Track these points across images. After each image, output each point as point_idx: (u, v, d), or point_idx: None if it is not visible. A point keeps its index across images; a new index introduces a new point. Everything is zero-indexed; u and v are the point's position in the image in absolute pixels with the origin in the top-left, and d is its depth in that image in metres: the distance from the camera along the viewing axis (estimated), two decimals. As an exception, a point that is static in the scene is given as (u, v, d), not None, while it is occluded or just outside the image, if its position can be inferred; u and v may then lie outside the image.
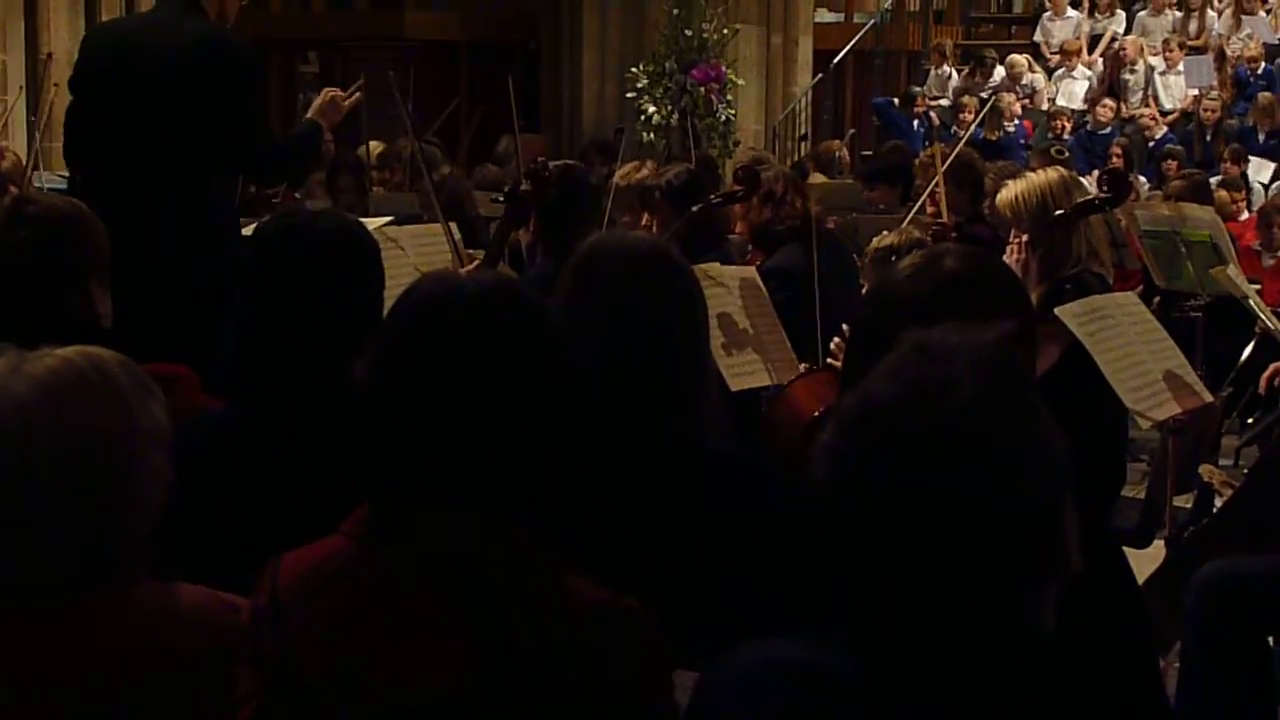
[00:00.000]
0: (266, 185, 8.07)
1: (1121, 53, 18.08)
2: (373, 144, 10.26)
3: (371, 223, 5.40)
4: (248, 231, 5.17)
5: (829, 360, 5.32)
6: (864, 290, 6.03)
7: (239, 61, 5.77)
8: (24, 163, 9.66)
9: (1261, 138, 15.99)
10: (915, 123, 17.43)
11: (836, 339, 5.21)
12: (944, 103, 18.07)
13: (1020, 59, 18.48)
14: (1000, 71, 18.40)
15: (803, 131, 17.91)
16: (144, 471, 2.35)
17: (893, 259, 5.44)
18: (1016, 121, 17.41)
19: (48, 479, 2.27)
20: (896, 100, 18.08)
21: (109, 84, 5.85)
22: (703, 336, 3.10)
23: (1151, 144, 16.50)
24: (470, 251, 6.19)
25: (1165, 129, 16.78)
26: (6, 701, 2.26)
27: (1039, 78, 18.45)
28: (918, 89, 18.30)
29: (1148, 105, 17.47)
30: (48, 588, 2.30)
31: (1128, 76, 17.92)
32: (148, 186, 5.67)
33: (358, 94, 6.31)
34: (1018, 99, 17.63)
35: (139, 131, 5.73)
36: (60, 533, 2.29)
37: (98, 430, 2.30)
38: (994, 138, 16.41)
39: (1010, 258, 5.36)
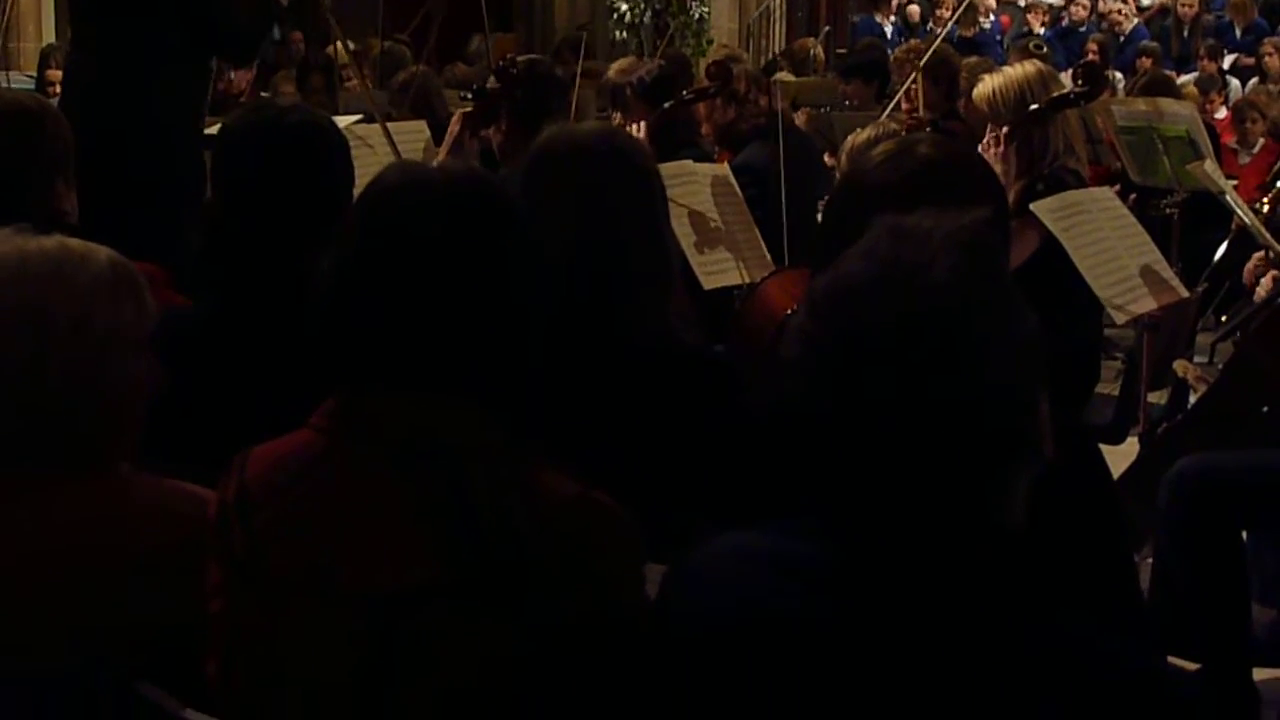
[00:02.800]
0: (239, 62, 7.86)
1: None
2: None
3: (341, 120, 5.34)
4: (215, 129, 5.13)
5: None
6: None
7: None
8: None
9: (1239, 33, 15.95)
10: (889, 26, 17.35)
11: None
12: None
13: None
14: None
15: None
16: (117, 364, 2.38)
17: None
18: (992, 18, 17.35)
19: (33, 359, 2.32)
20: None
21: None
22: (661, 227, 3.09)
23: (1122, 39, 16.45)
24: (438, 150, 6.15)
25: (1136, 21, 16.71)
26: None
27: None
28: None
29: (1124, 1, 17.39)
30: (14, 473, 2.31)
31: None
32: (101, 76, 5.59)
33: None
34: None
35: (95, 20, 5.67)
36: (36, 412, 2.33)
37: (68, 314, 2.34)
38: (969, 34, 16.35)
39: (987, 152, 5.34)
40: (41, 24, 12.72)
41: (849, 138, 5.79)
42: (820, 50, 14.46)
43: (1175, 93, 10.43)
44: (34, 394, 2.33)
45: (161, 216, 5.18)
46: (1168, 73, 12.63)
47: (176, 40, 5.66)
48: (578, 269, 2.87)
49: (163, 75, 5.69)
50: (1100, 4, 17.39)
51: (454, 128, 5.74)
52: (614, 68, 7.26)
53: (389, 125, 5.94)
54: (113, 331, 2.39)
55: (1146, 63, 14.27)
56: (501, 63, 5.88)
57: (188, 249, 3.93)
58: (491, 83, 5.81)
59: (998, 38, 16.97)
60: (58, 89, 7.53)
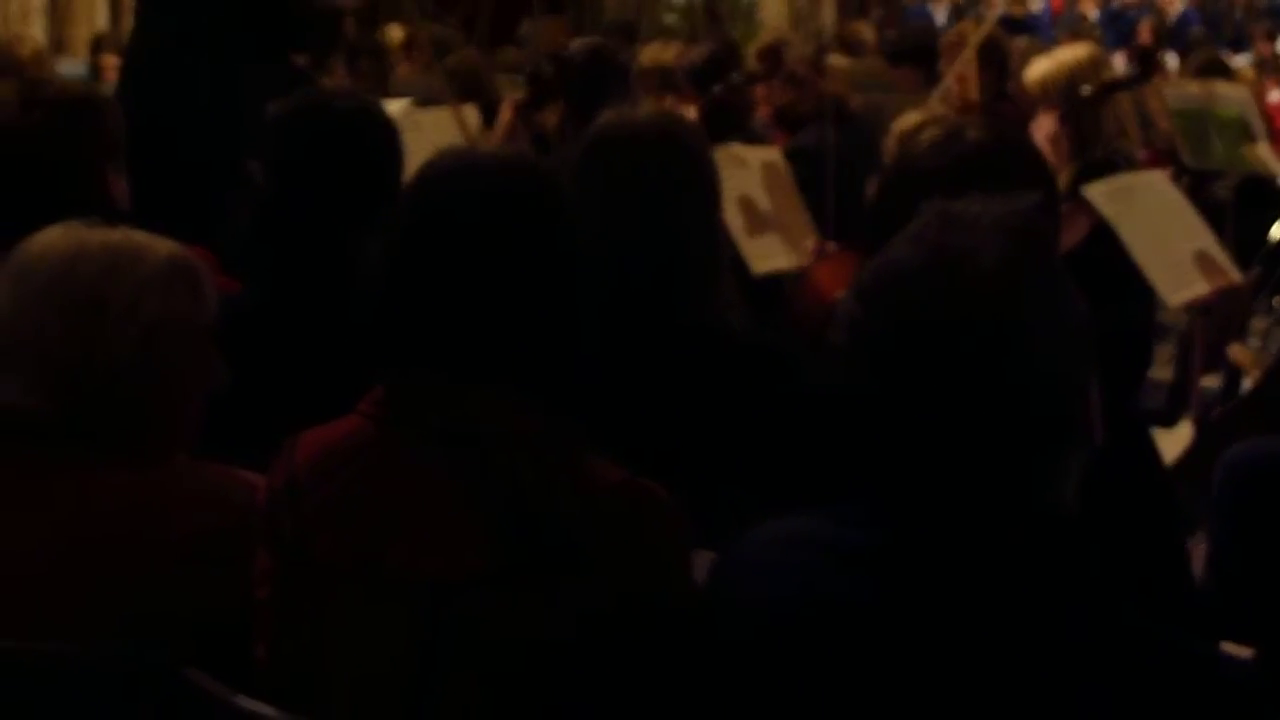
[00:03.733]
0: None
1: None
2: (393, 28, 10.19)
3: (392, 104, 5.34)
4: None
5: None
6: (885, 166, 5.98)
7: None
8: (42, 50, 9.60)
9: (1294, 14, 15.84)
10: (940, 13, 17.27)
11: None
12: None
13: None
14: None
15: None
16: (169, 355, 2.40)
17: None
18: (1043, 1, 17.25)
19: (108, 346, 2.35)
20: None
21: None
22: (713, 214, 3.08)
23: (1171, 21, 16.34)
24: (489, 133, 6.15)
25: (1183, 5, 16.59)
26: (27, 561, 2.28)
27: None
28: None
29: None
30: (78, 456, 2.34)
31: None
32: (152, 60, 5.59)
33: None
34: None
35: (151, 25, 5.68)
36: (86, 400, 2.34)
37: (119, 304, 2.37)
38: (1019, 13, 16.23)
39: (1037, 135, 5.32)
40: (94, 11, 12.78)
41: (895, 123, 5.77)
42: (873, 34, 14.41)
43: (1229, 75, 10.34)
44: (83, 382, 2.34)
45: (217, 204, 5.18)
46: (1221, 55, 12.51)
47: (251, 35, 5.65)
48: (635, 256, 2.86)
49: (235, 67, 5.68)
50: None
51: (505, 114, 5.73)
52: (646, 54, 7.25)
53: (438, 110, 5.94)
54: (165, 323, 2.40)
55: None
56: (559, 48, 5.87)
57: (234, 231, 3.93)
58: (548, 67, 5.80)
59: (1047, 20, 16.88)
60: (110, 75, 7.56)
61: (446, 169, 2.31)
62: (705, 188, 3.06)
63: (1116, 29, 16.20)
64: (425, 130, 5.62)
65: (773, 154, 5.88)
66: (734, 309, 3.06)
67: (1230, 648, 2.47)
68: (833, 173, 5.91)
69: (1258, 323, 7.69)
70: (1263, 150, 6.79)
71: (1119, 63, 5.85)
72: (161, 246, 2.47)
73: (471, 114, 6.10)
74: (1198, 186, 8.40)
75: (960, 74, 7.65)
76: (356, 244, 3.13)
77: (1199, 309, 5.23)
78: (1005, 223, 1.86)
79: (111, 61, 8.79)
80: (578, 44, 6.09)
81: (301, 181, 3.35)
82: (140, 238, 2.47)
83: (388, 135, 3.48)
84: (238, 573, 2.25)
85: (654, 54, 7.16)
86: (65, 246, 2.41)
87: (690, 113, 6.45)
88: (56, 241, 2.43)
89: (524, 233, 2.22)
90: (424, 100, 6.53)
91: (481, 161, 2.34)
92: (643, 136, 3.05)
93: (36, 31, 10.62)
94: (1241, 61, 13.24)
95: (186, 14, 5.60)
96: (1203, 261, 5.07)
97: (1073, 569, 1.86)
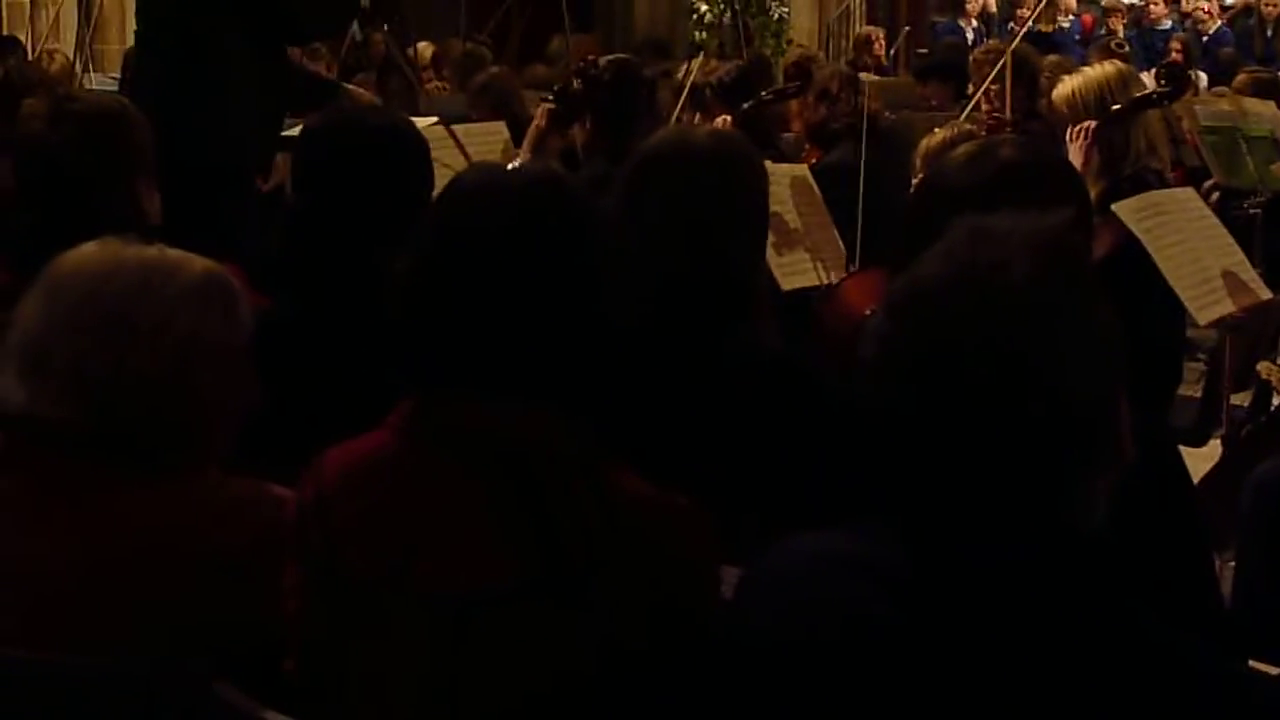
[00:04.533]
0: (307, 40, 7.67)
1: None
2: (423, 45, 10.22)
3: (421, 122, 5.36)
4: (296, 130, 5.14)
5: None
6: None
7: None
8: (73, 64, 9.65)
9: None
10: (970, 30, 17.26)
11: None
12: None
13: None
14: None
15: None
16: (199, 371, 2.41)
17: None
18: (1072, 17, 17.21)
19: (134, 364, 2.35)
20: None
21: None
22: (760, 238, 3.07)
23: (1205, 38, 16.29)
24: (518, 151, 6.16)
25: (1220, 22, 16.54)
26: (56, 573, 2.28)
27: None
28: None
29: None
30: (107, 469, 2.35)
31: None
32: (169, 75, 5.60)
33: None
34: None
35: (164, 19, 5.70)
36: (116, 414, 2.35)
37: (150, 320, 2.37)
38: (1048, 29, 16.18)
39: (1069, 151, 5.31)
40: (125, 26, 12.82)
41: (923, 140, 5.77)
42: (881, 38, 14.42)
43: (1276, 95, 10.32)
44: (113, 396, 2.35)
45: (227, 213, 5.19)
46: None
47: (248, 37, 5.66)
48: (680, 279, 2.85)
49: (234, 74, 5.68)
50: (1183, 3, 17.24)
51: (539, 122, 5.73)
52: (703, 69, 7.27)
53: (466, 127, 5.95)
54: (196, 340, 2.41)
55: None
56: (585, 64, 5.88)
57: (256, 245, 3.94)
58: (575, 84, 5.81)
59: (1076, 37, 16.85)
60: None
61: (473, 185, 2.32)
62: (755, 212, 3.04)
63: (1147, 46, 16.17)
64: (455, 147, 5.64)
65: (800, 170, 5.88)
66: (768, 326, 3.05)
67: (1259, 666, 2.45)
68: (860, 190, 5.92)
69: (1289, 340, 7.67)
70: (1293, 168, 6.77)
71: (1148, 79, 5.85)
72: (197, 264, 2.48)
73: (500, 131, 6.11)
74: (1227, 203, 8.38)
75: (989, 91, 7.65)
76: (385, 259, 3.14)
77: (1228, 326, 5.21)
78: (1037, 238, 1.86)
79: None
80: (604, 60, 6.09)
81: (331, 197, 3.36)
82: (176, 255, 2.47)
83: (418, 151, 3.48)
84: (267, 587, 2.25)
85: (711, 70, 7.17)
86: (101, 261, 2.43)
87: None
88: (92, 256, 2.44)
89: (550, 248, 2.22)
90: (453, 117, 6.55)
91: (508, 178, 2.34)
92: (697, 159, 3.01)
93: (67, 46, 10.64)
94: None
95: (181, 27, 5.62)
96: (1231, 279, 5.06)
97: (1101, 588, 1.85)
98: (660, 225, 2.88)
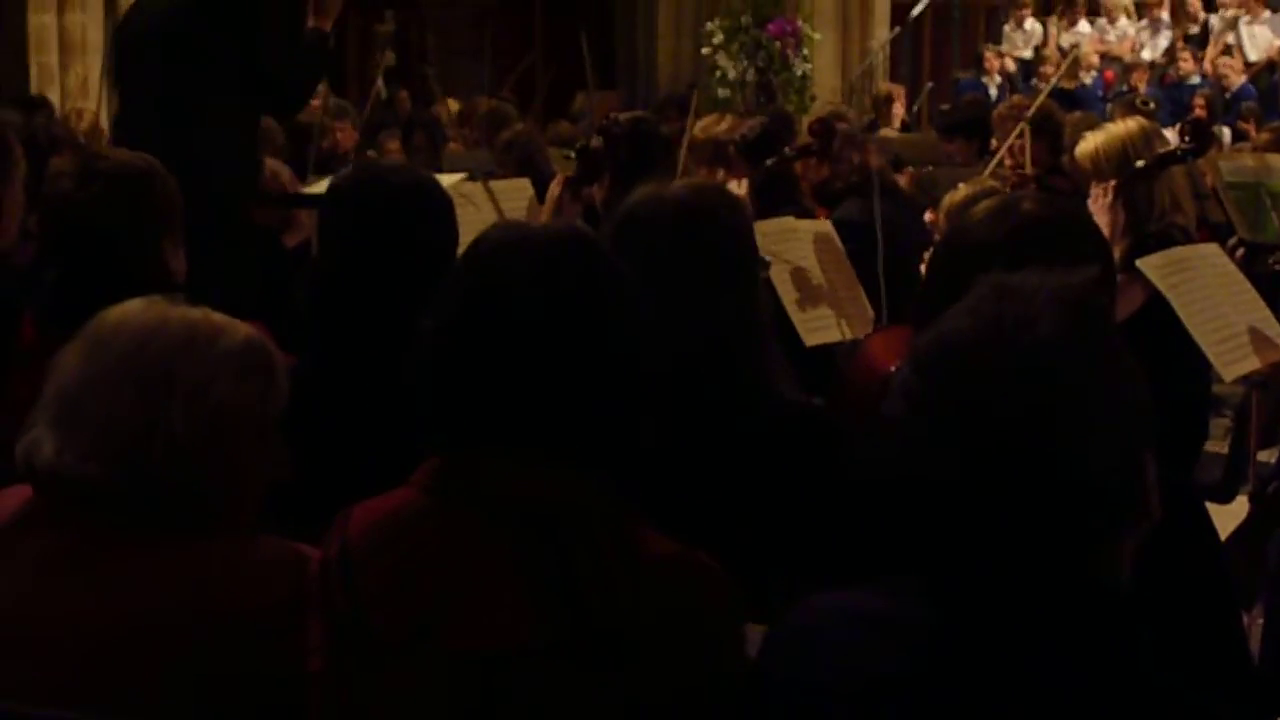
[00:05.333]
0: (286, 112, 7.74)
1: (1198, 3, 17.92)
2: (450, 102, 10.27)
3: (445, 179, 5.38)
4: (322, 187, 5.16)
5: None
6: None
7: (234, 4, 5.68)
8: (101, 124, 9.70)
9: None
10: (993, 86, 17.30)
11: None
12: (1025, 54, 17.91)
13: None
14: (1084, 25, 18.20)
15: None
16: (232, 438, 2.42)
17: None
18: (1095, 73, 17.23)
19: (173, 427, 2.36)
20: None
21: (119, 49, 5.88)
22: (749, 285, 3.06)
23: (1229, 95, 16.30)
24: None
25: (1243, 79, 16.56)
26: (81, 630, 2.29)
27: (1129, 25, 18.25)
28: (990, 47, 18.14)
29: (1230, 55, 17.26)
30: (131, 526, 2.35)
31: (1213, 22, 17.72)
32: (151, 129, 5.61)
33: None
34: (1102, 40, 17.46)
35: (138, 93, 5.74)
36: (147, 474, 2.35)
37: (188, 382, 2.39)
38: (1070, 86, 16.21)
39: (1092, 208, 5.30)
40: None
41: (946, 196, 5.77)
42: (901, 96, 14.45)
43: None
44: (145, 457, 2.35)
45: (211, 266, 5.20)
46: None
47: (226, 93, 5.68)
48: (665, 328, 2.85)
49: (211, 128, 5.70)
50: (1208, 61, 17.27)
51: (554, 190, 5.76)
52: (700, 126, 7.29)
53: (494, 183, 5.97)
54: (231, 405, 2.41)
55: (1248, 127, 14.07)
56: (605, 121, 5.91)
57: (248, 299, 3.94)
58: (595, 141, 5.83)
59: (1099, 94, 16.88)
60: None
61: (499, 242, 2.32)
62: (736, 260, 3.03)
63: (1171, 101, 16.18)
64: (479, 204, 5.66)
65: (824, 226, 5.89)
66: (785, 376, 3.03)
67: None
68: (875, 245, 5.92)
69: (1314, 396, 7.64)
70: (1317, 223, 6.75)
71: (1172, 135, 5.85)
72: (240, 330, 2.48)
73: (525, 188, 6.13)
74: (1252, 259, 8.36)
75: (1013, 146, 7.66)
76: (411, 316, 3.14)
77: (1255, 382, 5.20)
78: (1062, 295, 1.86)
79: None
80: (621, 117, 6.12)
81: (356, 254, 3.37)
82: (220, 319, 2.48)
83: (443, 208, 3.49)
84: (291, 645, 2.24)
85: (707, 126, 7.19)
86: (145, 318, 2.43)
87: (742, 186, 6.47)
88: (137, 313, 2.45)
89: (575, 307, 2.22)
90: (482, 173, 6.58)
91: (534, 235, 2.34)
92: (661, 213, 2.99)
93: (95, 105, 10.71)
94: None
95: (163, 87, 5.65)
96: (1256, 335, 5.04)
97: (1127, 646, 1.84)
98: (642, 281, 2.89)
